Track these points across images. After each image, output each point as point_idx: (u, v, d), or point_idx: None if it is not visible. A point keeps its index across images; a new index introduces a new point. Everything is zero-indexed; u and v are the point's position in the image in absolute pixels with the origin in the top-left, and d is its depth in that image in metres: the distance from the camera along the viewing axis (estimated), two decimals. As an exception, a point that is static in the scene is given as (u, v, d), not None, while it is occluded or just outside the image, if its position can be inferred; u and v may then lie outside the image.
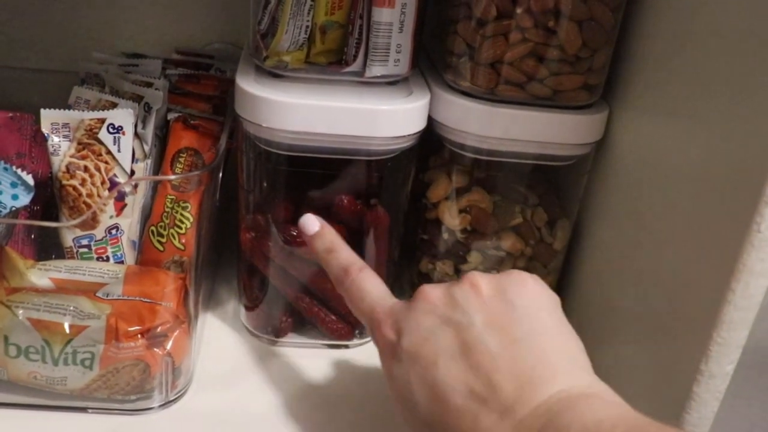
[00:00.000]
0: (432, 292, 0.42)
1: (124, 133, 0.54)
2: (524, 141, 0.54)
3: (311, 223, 0.51)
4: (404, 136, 0.53)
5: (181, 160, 0.57)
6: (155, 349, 0.51)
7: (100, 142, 0.53)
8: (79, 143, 0.53)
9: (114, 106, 0.56)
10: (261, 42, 0.54)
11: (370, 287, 0.46)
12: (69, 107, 0.57)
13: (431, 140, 0.56)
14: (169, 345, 0.51)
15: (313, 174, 0.55)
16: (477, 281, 0.42)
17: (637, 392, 0.45)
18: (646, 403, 0.37)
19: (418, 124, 0.53)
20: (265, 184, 0.55)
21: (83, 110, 0.57)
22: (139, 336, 0.50)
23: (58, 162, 0.53)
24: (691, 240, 0.45)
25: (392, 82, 0.55)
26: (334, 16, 0.53)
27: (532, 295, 0.41)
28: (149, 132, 0.56)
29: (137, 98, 0.57)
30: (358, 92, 0.53)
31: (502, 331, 0.39)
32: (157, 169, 0.58)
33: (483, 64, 0.52)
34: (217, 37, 0.69)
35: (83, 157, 0.53)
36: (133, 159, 0.55)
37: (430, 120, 0.55)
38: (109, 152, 0.54)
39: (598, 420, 0.34)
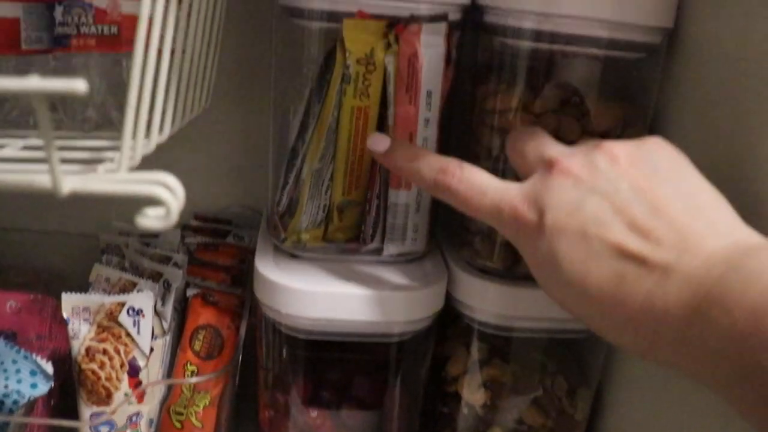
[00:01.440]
0: (571, 165, 0.39)
1: (143, 316, 0.54)
2: (545, 318, 0.54)
3: (381, 140, 0.48)
4: (422, 319, 0.53)
5: (200, 337, 0.57)
6: None
7: (120, 325, 0.54)
8: (99, 326, 0.54)
9: (134, 285, 0.57)
10: (279, 222, 0.55)
11: (486, 179, 0.42)
12: (89, 284, 0.58)
13: (448, 311, 0.56)
14: None
15: (332, 356, 0.54)
16: (615, 151, 0.39)
17: None
18: None
19: (435, 305, 0.53)
20: (284, 364, 0.55)
21: (104, 288, 0.58)
22: None
23: (78, 345, 0.53)
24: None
25: (409, 261, 0.55)
26: (350, 195, 0.54)
27: (672, 157, 0.40)
28: (168, 309, 0.56)
29: (157, 275, 0.58)
30: (375, 272, 0.54)
31: (651, 192, 0.37)
32: (176, 344, 0.58)
33: (500, 243, 0.53)
34: (235, 201, 0.70)
35: (103, 340, 0.53)
36: (152, 336, 0.55)
37: (448, 296, 0.55)
38: (128, 335, 0.54)
39: None
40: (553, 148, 0.42)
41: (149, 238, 0.64)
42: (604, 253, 0.36)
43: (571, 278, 0.37)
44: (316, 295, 0.51)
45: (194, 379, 0.55)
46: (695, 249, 0.34)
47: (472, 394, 0.56)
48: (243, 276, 0.63)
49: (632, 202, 0.37)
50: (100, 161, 0.39)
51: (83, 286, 0.58)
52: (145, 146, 0.39)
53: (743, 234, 0.36)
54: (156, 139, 0.40)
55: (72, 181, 0.34)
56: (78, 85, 0.30)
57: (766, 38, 0.43)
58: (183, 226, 0.67)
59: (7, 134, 0.45)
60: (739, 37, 0.46)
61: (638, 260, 0.35)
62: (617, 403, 0.58)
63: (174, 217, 0.34)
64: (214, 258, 0.63)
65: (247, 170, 0.70)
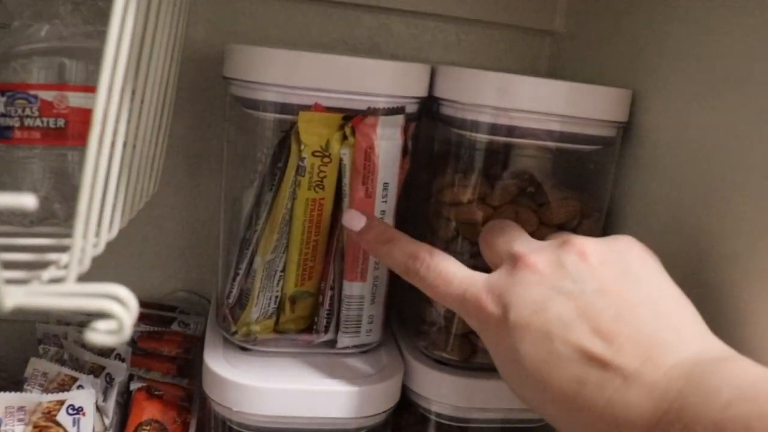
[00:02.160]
0: (537, 261, 0.39)
1: (84, 414, 0.51)
2: (504, 409, 0.53)
3: (356, 218, 0.48)
4: (377, 414, 0.51)
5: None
6: None
7: (59, 425, 0.51)
8: (35, 426, 0.51)
9: (74, 380, 0.54)
10: (230, 314, 0.53)
11: (453, 267, 0.43)
12: (25, 380, 0.55)
13: (403, 400, 0.55)
14: None
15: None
16: (584, 247, 0.39)
17: None
18: None
19: (392, 399, 0.52)
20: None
21: (41, 383, 0.55)
22: None
23: (11, 450, 0.50)
24: None
25: (363, 352, 0.54)
26: (303, 286, 0.53)
27: (642, 258, 0.39)
28: (111, 404, 0.54)
29: (99, 369, 0.55)
30: (329, 365, 0.52)
31: (618, 296, 0.36)
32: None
33: (456, 334, 0.52)
34: (180, 285, 0.68)
35: (39, 442, 0.50)
36: (93, 434, 0.52)
37: (404, 387, 0.54)
38: (67, 435, 0.51)
39: (752, 382, 0.30)
40: (522, 243, 0.43)
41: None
42: (566, 355, 0.36)
43: (532, 377, 0.37)
44: (269, 392, 0.49)
45: None
46: (658, 359, 0.34)
47: (429, 491, 0.55)
48: (189, 366, 0.60)
49: (597, 305, 0.36)
50: (44, 264, 0.37)
51: (18, 379, 0.55)
52: (95, 247, 0.37)
53: (707, 343, 0.36)
54: (105, 238, 0.38)
55: (16, 296, 0.32)
56: (27, 200, 0.29)
57: (709, 128, 0.45)
58: (126, 313, 0.64)
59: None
60: (687, 128, 0.47)
61: (600, 364, 0.35)
62: None
63: (127, 332, 0.32)
64: (159, 347, 0.61)
65: (192, 255, 0.68)
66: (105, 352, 0.57)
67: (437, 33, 0.68)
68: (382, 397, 0.51)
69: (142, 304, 0.65)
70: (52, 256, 0.38)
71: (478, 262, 0.49)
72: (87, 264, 0.36)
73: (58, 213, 0.45)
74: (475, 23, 0.68)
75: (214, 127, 0.66)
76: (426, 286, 0.44)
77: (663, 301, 0.37)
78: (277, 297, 0.53)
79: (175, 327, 0.63)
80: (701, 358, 0.33)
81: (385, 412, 0.52)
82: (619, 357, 0.34)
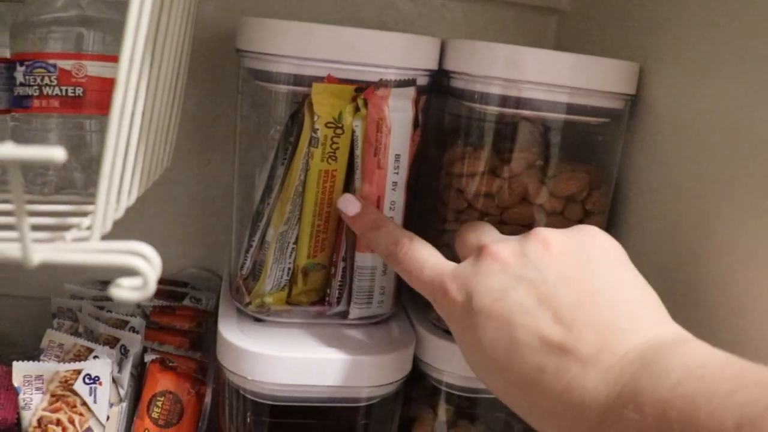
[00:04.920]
0: (500, 250, 0.40)
1: (101, 384, 0.52)
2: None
3: (351, 203, 0.49)
4: (391, 383, 0.52)
5: (159, 404, 0.55)
6: None
7: (76, 394, 0.52)
8: (52, 395, 0.51)
9: (90, 351, 0.54)
10: (243, 286, 0.54)
11: (427, 255, 0.44)
12: (41, 351, 0.55)
13: (413, 372, 0.55)
14: None
15: (298, 420, 0.53)
16: (546, 237, 0.40)
17: None
18: None
19: (404, 369, 0.53)
20: (248, 430, 0.53)
21: (57, 354, 0.55)
22: None
23: (29, 416, 0.51)
24: None
25: (375, 323, 0.55)
26: (316, 258, 0.53)
27: (603, 247, 0.40)
28: (125, 376, 0.54)
29: (113, 341, 0.56)
30: (342, 336, 0.53)
31: (578, 284, 0.37)
32: (133, 410, 0.56)
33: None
34: (191, 262, 0.69)
35: (56, 410, 0.51)
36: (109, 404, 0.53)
37: (415, 358, 0.54)
38: (84, 403, 0.52)
39: (702, 363, 0.31)
40: (489, 236, 0.44)
41: (103, 301, 0.62)
42: (527, 342, 0.37)
43: (495, 364, 0.38)
44: (284, 361, 0.49)
45: None
46: (614, 345, 0.35)
47: (440, 458, 0.55)
48: (201, 340, 0.61)
49: (558, 293, 0.37)
50: (67, 227, 0.38)
51: (34, 352, 0.56)
52: (116, 211, 0.38)
53: (663, 328, 0.36)
54: (125, 203, 0.39)
55: (42, 252, 0.32)
56: (57, 153, 0.29)
57: (717, 102, 0.45)
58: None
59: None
60: (695, 102, 0.48)
61: (560, 351, 0.35)
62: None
63: (151, 288, 0.33)
64: (172, 321, 0.61)
65: (203, 232, 0.69)
66: (119, 324, 0.58)
67: (444, 11, 0.69)
68: (394, 367, 0.52)
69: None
70: (74, 220, 0.39)
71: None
72: (109, 225, 0.36)
73: (76, 182, 0.45)
74: (481, 2, 0.69)
75: (225, 104, 0.67)
76: (402, 270, 0.45)
77: (622, 289, 0.38)
78: (289, 269, 0.53)
79: (186, 302, 0.64)
80: (656, 342, 0.34)
81: (396, 381, 0.53)
82: (578, 344, 0.35)
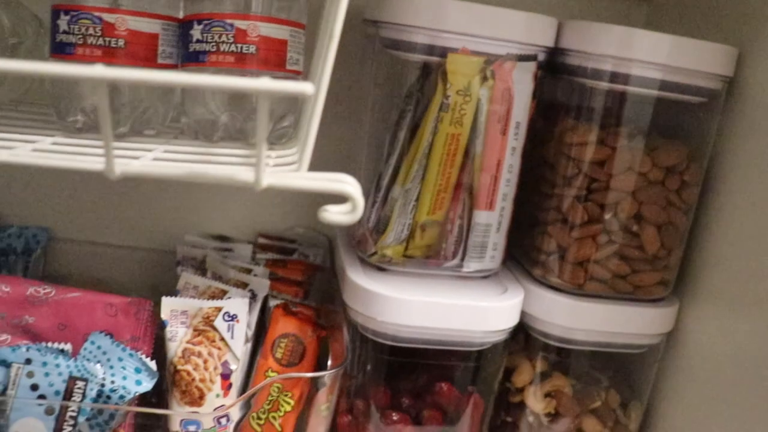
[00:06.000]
0: None
1: (238, 321, 0.57)
2: (606, 332, 0.59)
3: None
4: (502, 330, 0.57)
5: (282, 345, 0.60)
6: None
7: (215, 329, 0.56)
8: (195, 330, 0.56)
9: (224, 293, 0.59)
10: (370, 237, 0.59)
11: None
12: (177, 292, 0.60)
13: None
14: None
15: (415, 362, 0.58)
16: None
17: None
18: None
19: (513, 318, 0.58)
20: (369, 370, 0.58)
21: (192, 295, 0.60)
22: None
23: (175, 347, 0.56)
24: None
25: (485, 276, 0.60)
26: (434, 215, 0.58)
27: None
28: (253, 318, 0.59)
29: (242, 285, 0.61)
30: (457, 286, 0.58)
31: None
32: (254, 353, 0.61)
33: (572, 263, 0.58)
34: (296, 221, 0.74)
35: (198, 344, 0.56)
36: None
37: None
38: (222, 339, 0.56)
39: None
40: None
41: (222, 252, 0.67)
42: None
43: None
44: (410, 304, 0.55)
45: (319, 374, 0.57)
46: None
47: (537, 403, 0.60)
48: (312, 291, 0.66)
49: None
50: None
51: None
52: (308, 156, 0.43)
53: None
54: (311, 149, 0.44)
55: (271, 177, 0.38)
56: (306, 87, 0.34)
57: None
58: (252, 244, 0.70)
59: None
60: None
61: None
62: (667, 416, 0.63)
63: (359, 211, 0.38)
64: (285, 273, 0.66)
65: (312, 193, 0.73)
66: (246, 271, 0.63)
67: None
68: (505, 316, 0.57)
69: (264, 236, 0.71)
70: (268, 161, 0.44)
71: (595, 196, 0.55)
72: (307, 163, 0.41)
73: (247, 131, 0.50)
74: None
75: (352, 72, 0.70)
76: None
77: None
78: (409, 224, 0.58)
79: (296, 257, 0.69)
80: None
81: (507, 329, 0.58)
82: None
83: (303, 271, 0.67)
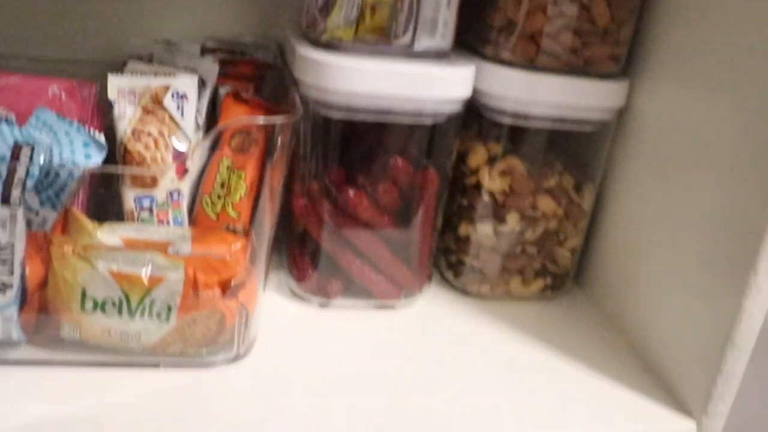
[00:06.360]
0: None
1: (187, 100, 0.56)
2: (558, 104, 0.59)
3: None
4: (453, 100, 0.57)
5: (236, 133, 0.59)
6: (230, 300, 0.52)
7: (164, 109, 0.55)
8: (144, 109, 0.55)
9: (173, 75, 0.58)
10: (318, 16, 0.58)
11: None
12: (127, 76, 0.59)
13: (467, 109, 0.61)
14: (242, 296, 0.53)
15: (368, 138, 0.58)
16: None
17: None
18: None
19: (466, 89, 0.58)
20: (321, 150, 0.58)
21: (143, 81, 0.59)
22: (216, 286, 0.52)
23: (124, 127, 0.55)
24: (715, 208, 0.52)
25: (437, 56, 0.59)
26: (384, -7, 0.58)
27: None
28: (204, 105, 0.58)
29: (192, 71, 0.60)
30: (409, 62, 0.57)
31: None
32: (210, 142, 0.60)
33: (523, 36, 0.58)
34: (245, 29, 0.72)
35: (147, 123, 0.55)
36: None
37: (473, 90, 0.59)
38: (172, 118, 0.56)
39: None
40: None
41: (170, 49, 0.65)
42: None
43: None
44: (361, 72, 0.54)
45: (261, 119, 0.56)
46: None
47: (493, 182, 0.61)
48: (265, 89, 0.65)
49: None
50: None
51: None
52: None
53: None
54: None
55: None
56: None
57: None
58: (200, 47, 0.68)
59: None
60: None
61: None
62: (618, 195, 0.64)
63: None
64: (235, 71, 0.65)
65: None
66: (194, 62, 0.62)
67: None
68: (457, 85, 0.57)
69: (212, 40, 0.70)
70: None
71: None
72: None
73: None
74: None
75: None
76: None
77: None
78: (359, 4, 0.57)
79: (246, 59, 0.68)
80: None
81: (458, 101, 0.58)
82: None
83: (253, 68, 0.66)
